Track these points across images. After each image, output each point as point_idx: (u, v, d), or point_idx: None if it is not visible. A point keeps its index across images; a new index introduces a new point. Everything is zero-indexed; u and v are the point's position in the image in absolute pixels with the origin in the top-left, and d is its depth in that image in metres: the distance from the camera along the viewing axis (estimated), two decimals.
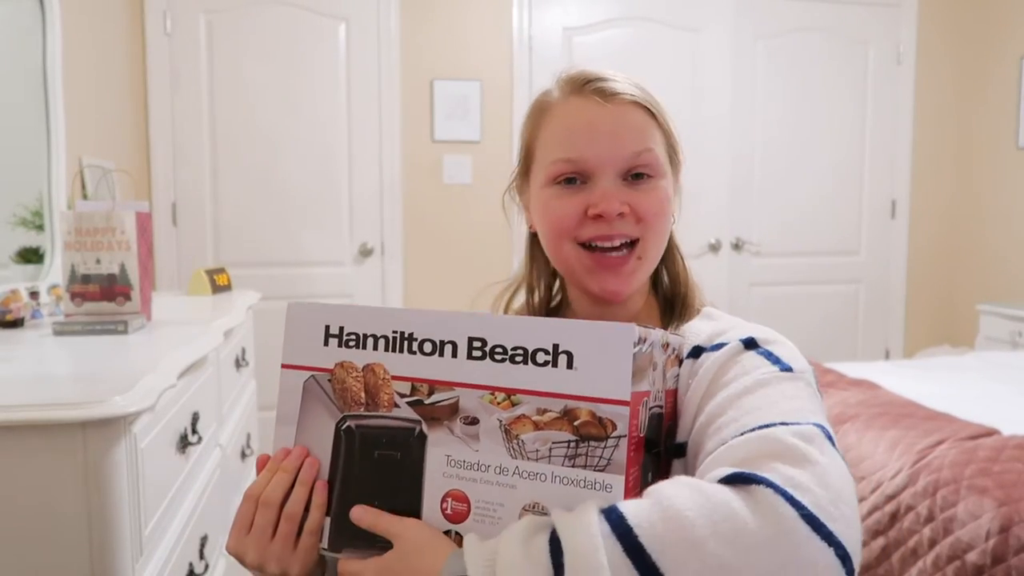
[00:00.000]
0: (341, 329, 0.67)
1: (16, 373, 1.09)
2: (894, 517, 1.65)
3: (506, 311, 0.88)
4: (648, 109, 0.78)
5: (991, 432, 1.80)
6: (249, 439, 1.96)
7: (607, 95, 0.76)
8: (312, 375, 0.68)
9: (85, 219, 1.46)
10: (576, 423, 0.58)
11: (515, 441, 0.60)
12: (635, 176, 0.76)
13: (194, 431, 1.27)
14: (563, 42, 3.43)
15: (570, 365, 0.58)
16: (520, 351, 0.60)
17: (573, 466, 0.58)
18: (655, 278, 0.85)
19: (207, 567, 1.31)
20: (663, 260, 0.84)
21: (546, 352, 0.59)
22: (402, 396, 0.64)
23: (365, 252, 3.32)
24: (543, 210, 0.79)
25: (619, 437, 0.57)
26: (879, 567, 1.66)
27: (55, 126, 1.96)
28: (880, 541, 1.67)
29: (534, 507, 0.59)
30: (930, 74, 3.75)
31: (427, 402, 0.63)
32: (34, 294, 1.58)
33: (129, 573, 0.92)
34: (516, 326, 0.61)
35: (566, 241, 0.78)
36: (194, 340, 1.32)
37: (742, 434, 0.59)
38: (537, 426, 0.59)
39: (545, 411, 0.59)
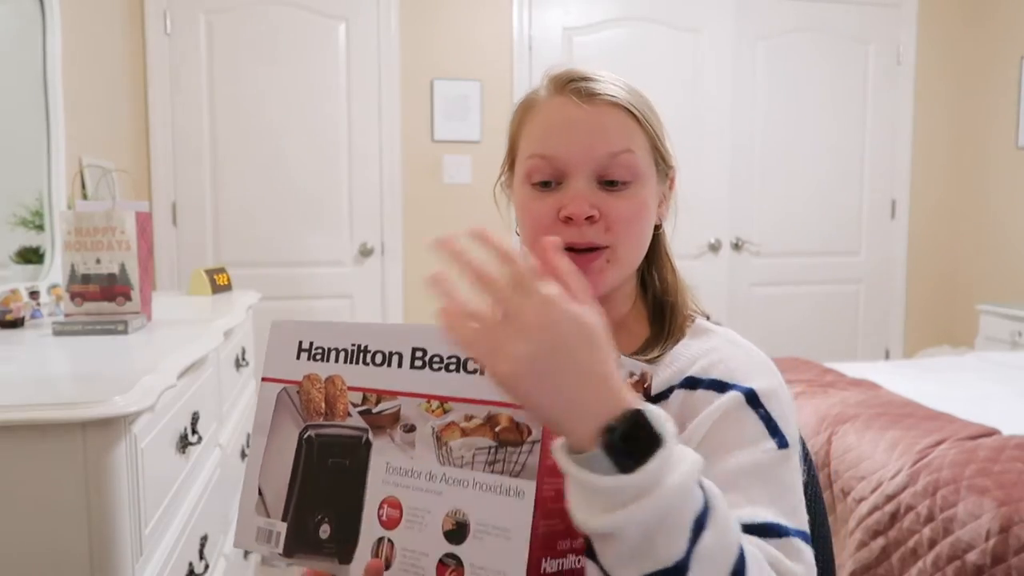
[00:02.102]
0: (311, 344, 0.71)
1: (16, 373, 1.09)
2: (894, 517, 1.65)
3: None
4: (631, 112, 0.77)
5: (991, 432, 1.80)
6: (249, 439, 1.96)
7: (587, 95, 0.76)
8: (284, 387, 0.71)
9: (85, 219, 1.46)
10: (497, 429, 0.59)
11: (444, 448, 0.61)
12: (610, 182, 0.75)
13: (194, 431, 1.27)
14: (563, 42, 3.43)
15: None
16: (454, 359, 0.62)
17: (492, 471, 0.59)
18: (644, 283, 0.84)
19: (207, 567, 1.31)
20: (652, 265, 0.83)
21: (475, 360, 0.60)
22: (355, 406, 0.67)
23: (365, 252, 3.32)
24: (521, 210, 0.80)
25: (533, 442, 0.57)
26: (879, 567, 1.66)
27: (55, 126, 1.96)
28: (880, 541, 1.67)
29: (455, 513, 0.60)
30: (930, 74, 3.75)
31: (374, 411, 0.66)
32: (34, 294, 1.58)
33: (129, 573, 0.92)
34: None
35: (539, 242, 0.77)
36: (194, 340, 1.32)
37: (743, 527, 0.60)
38: (464, 432, 0.60)
39: (471, 417, 0.60)
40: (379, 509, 0.64)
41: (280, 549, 0.69)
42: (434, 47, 3.31)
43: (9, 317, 1.47)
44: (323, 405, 0.68)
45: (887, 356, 3.86)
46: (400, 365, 0.65)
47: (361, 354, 0.67)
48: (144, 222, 1.51)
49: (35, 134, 1.94)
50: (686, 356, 0.77)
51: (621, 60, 3.42)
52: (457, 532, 0.59)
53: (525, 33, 3.38)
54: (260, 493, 0.71)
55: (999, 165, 3.66)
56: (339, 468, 0.67)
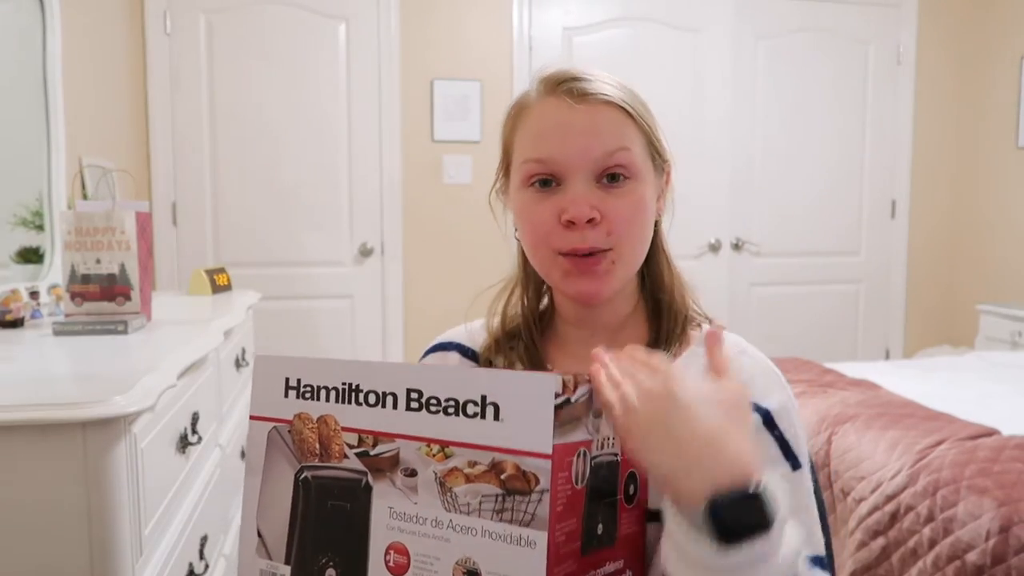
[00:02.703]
0: (299, 381, 0.68)
1: (16, 373, 1.09)
2: (894, 517, 1.65)
3: (503, 315, 0.87)
4: (624, 109, 0.76)
5: (991, 432, 1.80)
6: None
7: (579, 95, 0.75)
8: (274, 426, 0.69)
9: (85, 219, 1.46)
10: (503, 476, 0.58)
11: (449, 494, 0.60)
12: (610, 178, 0.75)
13: (194, 431, 1.27)
14: (563, 42, 3.43)
15: (497, 417, 0.58)
16: (452, 402, 0.60)
17: (501, 520, 0.57)
18: (643, 282, 0.84)
19: (207, 567, 1.31)
20: (649, 261, 0.83)
21: (475, 403, 0.59)
22: (351, 447, 0.65)
23: (365, 252, 3.32)
24: (520, 215, 0.79)
25: (542, 492, 0.56)
26: (879, 567, 1.66)
27: (55, 126, 1.96)
28: (880, 541, 1.67)
29: (466, 561, 0.59)
30: (930, 74, 3.75)
31: (372, 453, 0.64)
32: (34, 294, 1.58)
33: (129, 573, 0.92)
34: (449, 377, 0.62)
35: (542, 248, 0.77)
36: (194, 340, 1.32)
37: None
38: (468, 479, 0.59)
39: (475, 463, 0.59)
40: (386, 555, 0.62)
41: None
42: (434, 47, 3.31)
43: (9, 317, 1.47)
44: (317, 446, 0.66)
45: (887, 356, 3.86)
46: (395, 406, 0.63)
47: (353, 393, 0.65)
48: (144, 222, 1.51)
49: (35, 134, 1.94)
50: (698, 366, 0.77)
51: (621, 60, 3.42)
52: None
53: (525, 33, 3.38)
54: (260, 535, 0.69)
55: (999, 165, 3.66)
56: (340, 511, 0.65)
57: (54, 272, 1.85)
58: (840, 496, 1.83)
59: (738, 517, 0.54)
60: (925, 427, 1.84)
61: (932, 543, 1.56)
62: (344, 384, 0.66)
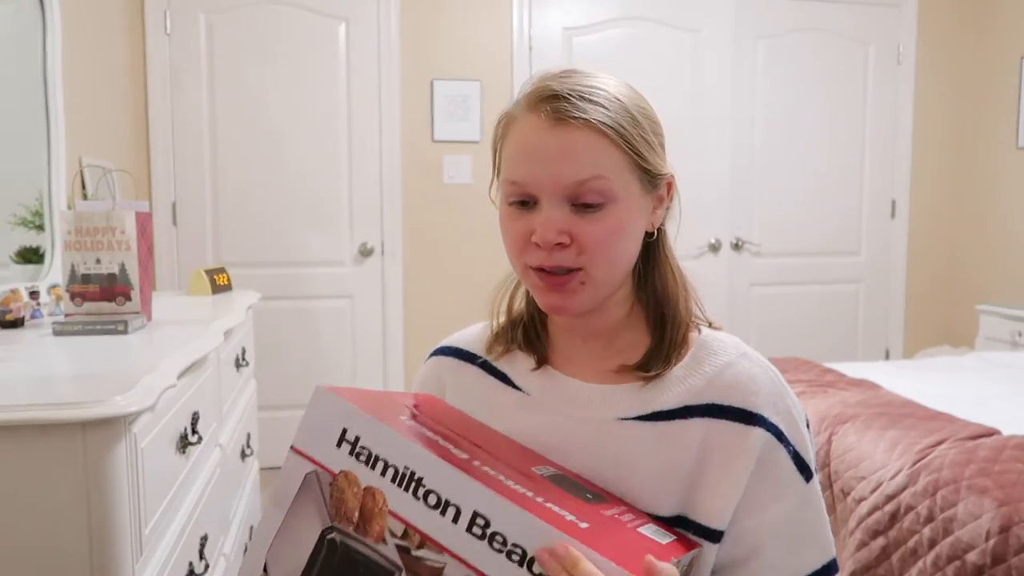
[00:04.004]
0: (357, 439, 0.63)
1: (16, 373, 1.08)
2: (894, 517, 1.65)
3: (510, 307, 0.87)
4: (605, 133, 0.72)
5: (991, 432, 1.80)
6: (249, 439, 1.96)
7: (558, 117, 0.72)
8: (316, 470, 0.64)
9: (85, 219, 1.46)
10: None
11: None
12: (583, 205, 0.73)
13: (194, 431, 1.27)
14: (563, 42, 3.43)
15: None
16: (518, 551, 0.56)
17: None
18: (642, 287, 0.83)
19: (207, 567, 1.31)
20: (652, 269, 0.81)
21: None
22: (392, 535, 0.60)
23: (365, 252, 3.32)
24: (501, 227, 0.79)
25: None
26: (879, 567, 1.66)
27: (55, 126, 1.96)
28: (880, 541, 1.67)
29: None
30: (930, 74, 3.75)
31: (414, 553, 0.59)
32: (34, 294, 1.58)
33: (129, 573, 0.92)
34: (525, 523, 0.56)
35: (518, 261, 0.77)
36: (194, 340, 1.32)
37: None
38: None
39: None
40: None
41: None
42: (434, 47, 3.31)
43: (9, 317, 1.47)
44: (356, 515, 0.62)
45: (887, 356, 3.86)
46: (455, 521, 0.58)
47: (413, 484, 0.60)
48: (144, 222, 1.51)
49: (35, 134, 1.94)
50: (699, 373, 0.77)
51: (621, 60, 3.42)
52: None
53: (525, 33, 3.38)
54: (265, 569, 0.66)
55: (999, 165, 3.66)
56: None
57: (54, 272, 1.85)
58: (840, 496, 1.83)
59: None
60: (925, 427, 1.84)
61: (932, 543, 1.56)
62: (407, 468, 0.60)
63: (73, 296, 1.47)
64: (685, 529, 0.73)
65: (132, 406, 0.90)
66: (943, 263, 3.89)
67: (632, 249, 0.78)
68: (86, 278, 1.47)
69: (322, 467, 0.64)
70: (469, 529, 0.57)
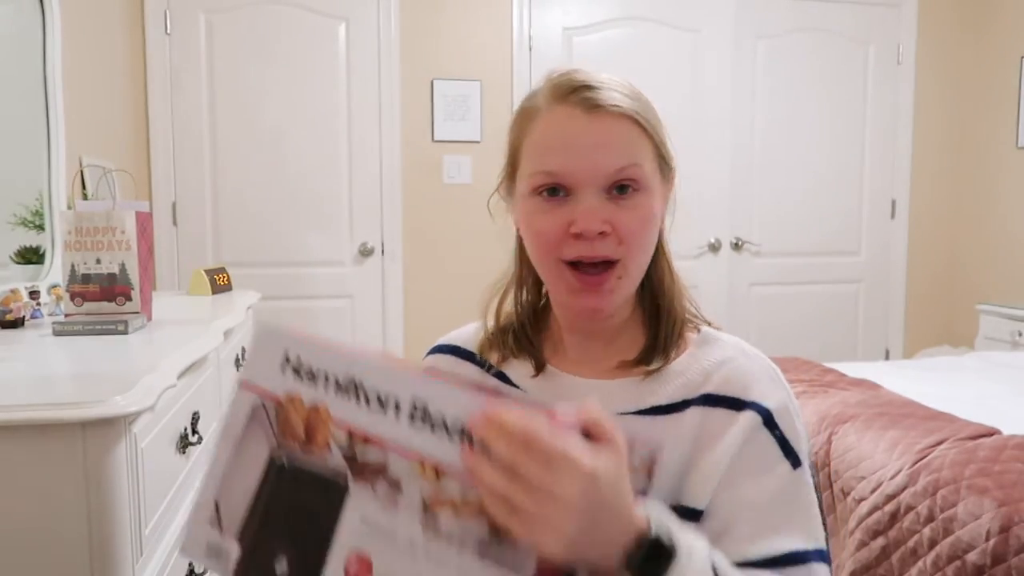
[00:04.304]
0: (298, 359, 0.64)
1: (16, 373, 1.09)
2: (894, 517, 1.65)
3: (498, 314, 0.87)
4: (636, 121, 0.74)
5: (991, 432, 1.80)
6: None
7: (591, 106, 0.73)
8: (262, 401, 0.65)
9: (85, 219, 1.46)
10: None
11: (432, 519, 0.57)
12: (619, 189, 0.74)
13: (194, 431, 1.27)
14: (563, 42, 3.43)
15: None
16: (458, 428, 0.56)
17: (483, 558, 0.55)
18: (642, 287, 0.83)
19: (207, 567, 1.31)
20: (649, 267, 0.81)
21: None
22: (338, 443, 0.61)
23: (365, 252, 3.32)
24: (527, 222, 0.77)
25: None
26: (879, 567, 1.66)
27: (55, 126, 1.96)
28: (880, 541, 1.67)
29: None
30: (930, 74, 3.75)
31: (359, 455, 0.60)
32: (34, 294, 1.58)
33: (129, 573, 0.92)
34: (464, 401, 0.56)
35: (549, 257, 0.76)
36: (194, 340, 1.32)
37: (764, 560, 0.68)
38: (457, 509, 0.56)
39: (468, 496, 0.55)
40: (347, 561, 0.59)
41: (229, 572, 0.64)
42: (434, 47, 3.31)
43: (9, 317, 1.47)
44: (301, 432, 0.63)
45: (887, 356, 3.85)
46: (397, 415, 0.59)
47: (354, 388, 0.61)
48: (144, 222, 1.51)
49: (35, 134, 1.94)
50: (697, 368, 0.77)
51: (621, 60, 3.42)
52: None
53: (525, 33, 3.38)
54: (216, 505, 0.66)
55: (999, 165, 3.66)
56: (308, 504, 0.62)
57: (54, 272, 1.85)
58: (840, 496, 1.83)
59: (654, 567, 0.56)
60: (925, 427, 1.84)
61: (932, 543, 1.56)
62: (347, 377, 0.61)
63: (73, 296, 1.47)
64: (677, 516, 0.74)
65: (132, 406, 0.90)
66: (943, 263, 3.89)
67: (655, 242, 0.78)
68: (86, 278, 1.47)
69: (268, 395, 0.65)
70: (411, 419, 0.58)
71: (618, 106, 0.73)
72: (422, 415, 0.58)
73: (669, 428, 0.75)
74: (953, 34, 3.77)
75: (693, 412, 0.75)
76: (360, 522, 0.59)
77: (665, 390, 0.77)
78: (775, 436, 0.73)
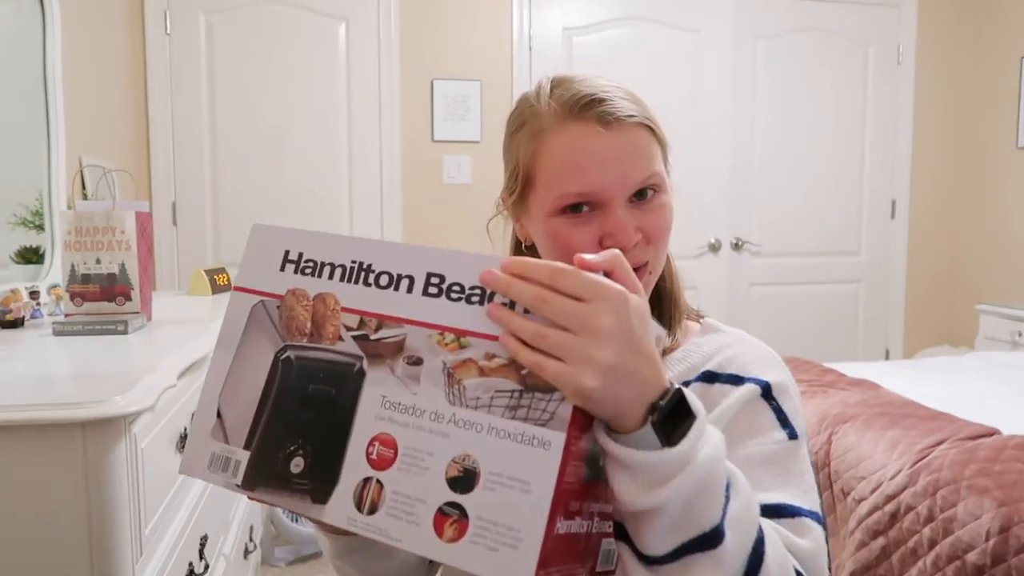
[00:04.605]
0: (300, 255, 0.62)
1: (16, 373, 1.08)
2: (894, 517, 1.65)
3: None
4: (648, 126, 0.76)
5: (991, 432, 1.80)
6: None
7: (609, 120, 0.73)
8: (262, 300, 0.63)
9: (85, 219, 1.46)
10: (524, 371, 0.53)
11: (457, 386, 0.55)
12: (640, 194, 0.75)
13: None
14: (563, 42, 3.43)
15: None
16: (477, 291, 0.55)
17: (513, 418, 0.53)
18: None
19: (207, 567, 1.31)
20: None
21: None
22: (349, 330, 0.59)
23: None
24: (553, 238, 0.76)
25: None
26: (879, 567, 1.66)
27: (55, 126, 1.96)
28: (880, 541, 1.67)
29: (464, 459, 0.53)
30: (930, 74, 3.75)
31: (373, 337, 0.58)
32: (34, 294, 1.58)
33: (129, 573, 0.92)
34: (478, 263, 0.55)
35: None
36: (194, 340, 1.32)
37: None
38: (483, 372, 0.54)
39: (493, 356, 0.54)
40: (368, 446, 0.57)
41: (238, 480, 0.61)
42: (434, 47, 3.31)
43: (9, 317, 1.47)
44: (308, 325, 0.60)
45: (887, 356, 3.86)
46: (410, 291, 0.57)
47: (362, 273, 0.59)
48: (144, 222, 1.51)
49: (35, 134, 1.93)
50: (699, 353, 0.80)
51: (621, 60, 3.42)
52: (464, 479, 0.53)
53: (525, 33, 3.38)
54: (219, 416, 0.63)
55: (999, 165, 3.66)
56: (322, 396, 0.59)
57: (54, 272, 1.85)
58: (840, 496, 1.83)
59: (675, 418, 0.54)
60: (925, 427, 1.84)
61: (932, 543, 1.56)
62: (354, 263, 0.59)
63: (73, 296, 1.47)
64: None
65: (132, 406, 0.90)
66: (943, 263, 3.89)
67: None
68: (86, 278, 1.47)
69: (269, 295, 0.62)
70: (425, 292, 0.56)
71: (633, 116, 0.74)
72: (437, 287, 0.56)
73: None
74: (953, 34, 3.77)
75: (692, 389, 0.75)
76: (380, 405, 0.57)
77: (668, 375, 0.77)
78: (772, 406, 0.75)
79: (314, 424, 0.59)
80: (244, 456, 0.61)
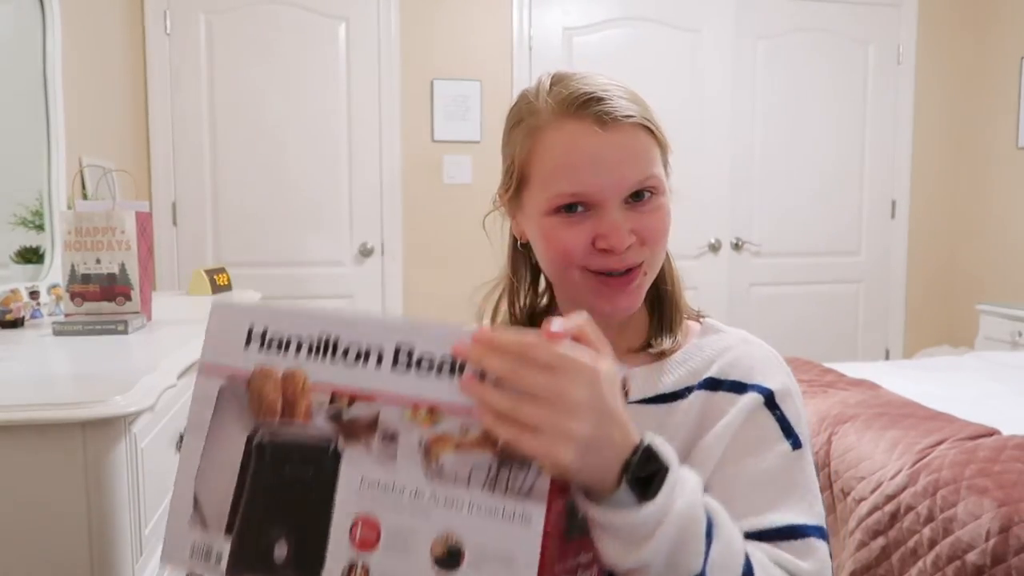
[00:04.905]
0: (264, 330, 0.61)
1: (16, 373, 1.08)
2: (894, 517, 1.65)
3: (494, 315, 0.86)
4: (646, 127, 0.74)
5: (991, 432, 1.80)
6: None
7: (607, 120, 0.72)
8: (229, 379, 0.62)
9: (85, 219, 1.46)
10: (499, 443, 0.52)
11: (434, 462, 0.54)
12: (636, 195, 0.74)
13: None
14: (563, 42, 3.43)
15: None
16: (447, 362, 0.54)
17: (493, 491, 0.53)
18: None
19: None
20: None
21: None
22: (320, 407, 0.58)
23: (365, 252, 3.32)
24: (546, 239, 0.76)
25: None
26: (879, 567, 1.66)
27: (55, 126, 1.96)
28: (880, 541, 1.67)
29: (447, 537, 0.53)
30: (930, 74, 3.75)
31: (346, 415, 0.57)
32: (34, 294, 1.58)
33: (129, 573, 0.92)
34: (446, 334, 0.55)
35: (573, 269, 0.76)
36: (194, 340, 1.32)
37: (759, 532, 0.67)
38: (459, 446, 0.54)
39: (468, 429, 0.54)
40: (352, 528, 0.56)
41: (222, 570, 0.60)
42: (434, 47, 3.31)
43: (9, 317, 1.47)
44: (279, 404, 0.59)
45: (887, 356, 3.85)
46: (380, 364, 0.56)
47: (330, 347, 0.58)
48: (144, 222, 1.51)
49: (35, 134, 1.94)
50: (700, 357, 0.78)
51: (621, 60, 3.42)
52: (449, 559, 0.53)
53: (525, 33, 3.38)
54: (196, 502, 0.61)
55: (999, 165, 3.66)
56: (299, 479, 0.58)
57: (54, 272, 1.85)
58: (840, 496, 1.83)
59: (649, 473, 0.54)
60: (925, 427, 1.84)
61: (932, 543, 1.56)
62: (320, 337, 0.58)
63: (73, 296, 1.47)
64: None
65: (132, 406, 0.90)
66: (943, 263, 3.89)
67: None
68: (86, 278, 1.47)
69: (235, 374, 0.61)
70: (395, 364, 0.56)
71: (631, 116, 0.73)
72: (407, 359, 0.56)
73: (673, 415, 0.75)
74: (953, 34, 3.77)
75: (696, 396, 0.75)
76: (359, 484, 0.56)
77: (670, 378, 0.78)
78: (775, 416, 0.74)
79: (294, 508, 0.58)
80: (225, 545, 0.60)
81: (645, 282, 0.78)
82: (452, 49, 3.33)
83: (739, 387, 0.75)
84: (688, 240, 3.53)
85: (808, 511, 0.70)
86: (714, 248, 3.61)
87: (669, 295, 0.83)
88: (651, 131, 0.75)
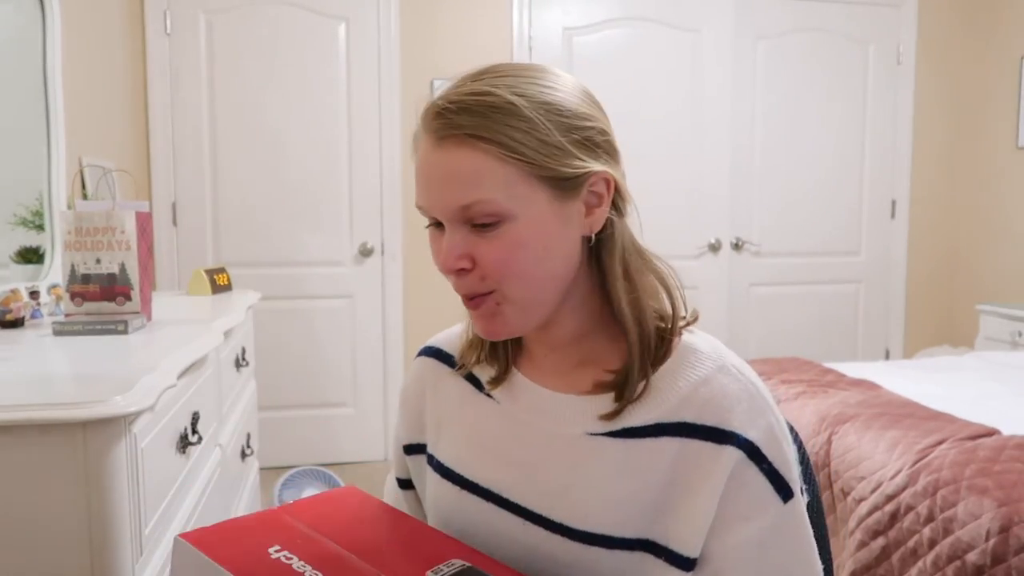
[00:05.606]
0: None
1: (16, 373, 1.08)
2: (894, 517, 1.65)
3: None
4: (488, 149, 0.67)
5: (991, 432, 1.80)
6: (249, 439, 1.96)
7: (440, 136, 0.69)
8: None
9: (85, 219, 1.46)
10: None
11: None
12: (480, 225, 0.68)
13: (194, 431, 1.27)
14: (563, 42, 3.43)
15: None
16: None
17: None
18: (601, 297, 0.75)
19: None
20: (604, 271, 0.74)
21: None
22: None
23: (365, 252, 3.32)
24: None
25: None
26: (879, 567, 1.66)
27: (55, 126, 1.96)
28: (880, 541, 1.67)
29: None
30: (930, 74, 3.75)
31: None
32: (34, 294, 1.58)
33: (129, 573, 0.92)
34: None
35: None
36: (194, 340, 1.32)
37: None
38: None
39: None
40: None
41: None
42: (434, 47, 3.31)
43: (9, 317, 1.47)
44: None
45: (887, 356, 3.86)
46: None
47: None
48: (144, 222, 1.51)
49: (35, 134, 1.94)
50: (674, 390, 0.71)
51: (621, 60, 3.41)
52: None
53: (525, 33, 3.38)
54: None
55: (999, 165, 3.66)
56: None
57: (54, 272, 1.85)
58: (840, 496, 1.83)
59: None
60: (925, 427, 1.85)
61: (932, 543, 1.56)
62: None
63: (73, 296, 1.47)
64: (654, 555, 0.69)
65: (132, 406, 0.90)
66: (943, 263, 3.89)
67: (552, 263, 0.70)
68: (86, 278, 1.47)
69: None
70: None
71: (459, 134, 0.68)
72: None
73: (639, 453, 0.70)
74: (953, 34, 3.77)
75: (670, 442, 0.69)
76: None
77: (639, 411, 0.71)
78: (763, 470, 0.68)
79: None
80: None
81: (505, 312, 0.71)
82: (452, 49, 3.33)
83: (717, 435, 0.68)
84: (688, 240, 3.53)
85: (807, 572, 0.69)
86: (714, 248, 3.61)
87: (636, 335, 0.72)
88: (495, 155, 0.67)
